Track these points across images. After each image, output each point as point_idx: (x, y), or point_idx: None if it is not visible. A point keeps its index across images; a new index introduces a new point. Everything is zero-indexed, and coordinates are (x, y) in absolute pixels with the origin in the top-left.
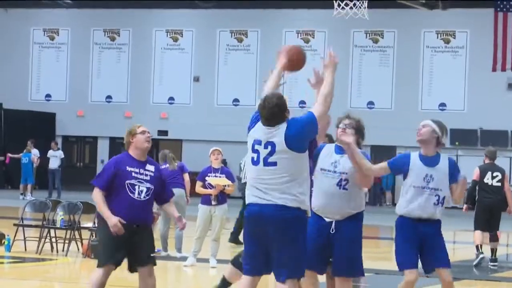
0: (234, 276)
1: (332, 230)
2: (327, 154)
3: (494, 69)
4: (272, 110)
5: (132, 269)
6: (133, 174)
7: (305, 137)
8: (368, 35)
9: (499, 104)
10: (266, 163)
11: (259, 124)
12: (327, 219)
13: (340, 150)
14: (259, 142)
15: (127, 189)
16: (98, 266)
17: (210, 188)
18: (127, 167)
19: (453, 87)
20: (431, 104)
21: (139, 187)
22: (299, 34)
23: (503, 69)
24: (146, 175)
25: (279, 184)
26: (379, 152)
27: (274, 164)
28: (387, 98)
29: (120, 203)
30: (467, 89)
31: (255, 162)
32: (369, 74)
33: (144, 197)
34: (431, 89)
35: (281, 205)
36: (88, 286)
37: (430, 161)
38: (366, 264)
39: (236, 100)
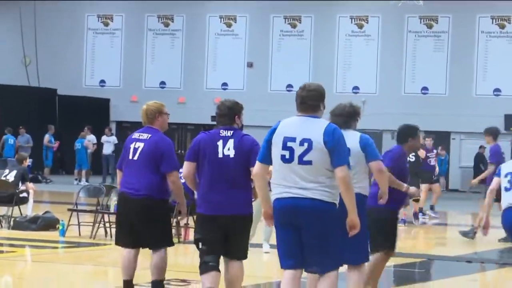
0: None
1: None
2: None
3: None
4: (310, 93)
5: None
6: None
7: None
8: (422, 20)
9: None
10: (301, 161)
11: (288, 119)
12: None
13: None
14: (293, 139)
15: None
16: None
17: None
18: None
19: (508, 72)
20: (486, 90)
21: None
22: (353, 20)
23: None
24: None
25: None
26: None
27: (310, 162)
28: (441, 84)
29: None
30: None
31: (287, 160)
32: (423, 60)
33: None
34: (486, 74)
35: (316, 198)
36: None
37: None
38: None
39: (289, 85)
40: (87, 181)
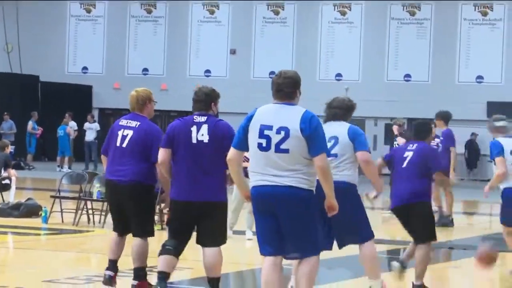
0: None
1: None
2: None
3: None
4: (286, 80)
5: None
6: None
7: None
8: (405, 7)
9: None
10: (278, 149)
11: (265, 107)
12: None
13: None
14: (269, 127)
15: None
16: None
17: (247, 161)
18: None
19: (491, 60)
20: (468, 77)
21: None
22: (336, 7)
23: None
24: None
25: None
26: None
27: (287, 151)
28: (424, 71)
29: None
30: (505, 62)
31: (264, 148)
32: (406, 47)
33: None
34: (468, 61)
35: (293, 186)
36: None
37: None
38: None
39: (272, 72)
40: (69, 168)
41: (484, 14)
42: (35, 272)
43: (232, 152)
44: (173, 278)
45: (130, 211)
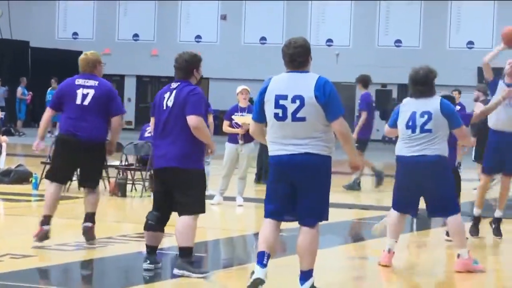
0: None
1: None
2: None
3: None
4: (297, 50)
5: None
6: None
7: (326, 109)
8: None
9: None
10: (295, 118)
11: (279, 77)
12: None
13: None
14: (284, 97)
15: None
16: None
17: (237, 127)
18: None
19: (482, 25)
20: (459, 43)
21: None
22: None
23: None
24: None
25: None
26: (407, 91)
27: (303, 119)
28: (414, 37)
29: None
30: (496, 27)
31: (281, 118)
32: (396, 13)
33: None
34: (459, 27)
35: (311, 153)
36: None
37: None
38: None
39: (263, 38)
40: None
41: None
42: (26, 238)
43: (252, 125)
44: (163, 244)
45: (86, 164)
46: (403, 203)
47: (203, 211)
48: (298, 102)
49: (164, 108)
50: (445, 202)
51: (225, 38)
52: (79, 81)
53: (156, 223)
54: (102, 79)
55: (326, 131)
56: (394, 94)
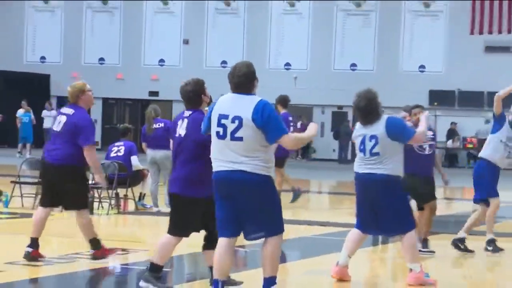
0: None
1: None
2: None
3: (471, 33)
4: (240, 79)
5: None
6: None
7: (265, 132)
8: None
9: (476, 66)
10: (233, 137)
11: (224, 97)
12: None
13: None
14: (226, 117)
15: None
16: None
17: None
18: None
19: (432, 50)
20: (411, 66)
21: None
22: None
23: (480, 32)
24: None
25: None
26: None
27: (241, 138)
28: (369, 60)
29: None
30: (446, 52)
31: (221, 136)
32: (352, 38)
33: None
34: (411, 51)
35: (248, 171)
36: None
37: None
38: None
39: (224, 62)
40: (30, 153)
41: (427, 6)
42: None
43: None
44: (130, 259)
45: (61, 188)
46: (363, 220)
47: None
48: (236, 122)
49: (177, 135)
50: (399, 219)
51: (187, 61)
52: (63, 110)
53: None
54: (80, 110)
55: (264, 151)
56: (350, 116)
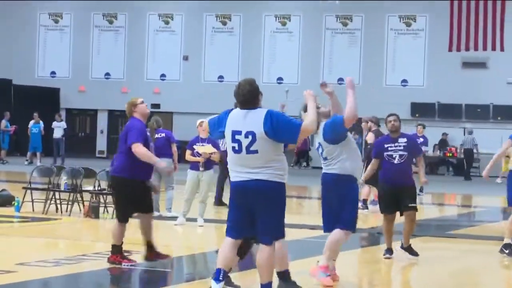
0: None
1: None
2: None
3: (450, 50)
4: (245, 97)
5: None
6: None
7: (280, 137)
8: (338, 19)
9: (454, 81)
10: (249, 151)
11: (234, 113)
12: None
13: None
14: (239, 133)
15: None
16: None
17: (198, 156)
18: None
19: (414, 65)
20: (394, 81)
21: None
22: (277, 18)
23: (458, 49)
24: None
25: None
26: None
27: (256, 151)
28: (355, 75)
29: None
30: (426, 67)
31: (237, 151)
32: (339, 54)
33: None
34: (395, 67)
35: (264, 180)
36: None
37: None
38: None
39: (221, 76)
40: (40, 161)
41: (408, 25)
42: (9, 256)
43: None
44: (137, 259)
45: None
46: (327, 220)
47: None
48: (250, 137)
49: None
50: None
51: (187, 76)
52: None
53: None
54: (133, 120)
55: (278, 160)
56: None
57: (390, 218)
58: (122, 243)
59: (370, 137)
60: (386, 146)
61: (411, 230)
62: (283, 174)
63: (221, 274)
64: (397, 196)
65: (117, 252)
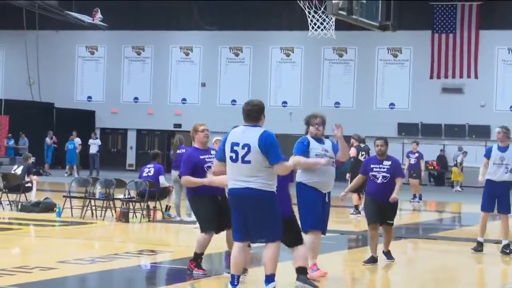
0: None
1: (326, 200)
2: (314, 145)
3: (431, 77)
4: (253, 108)
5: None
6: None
7: (267, 156)
8: (335, 50)
9: (435, 104)
10: (243, 161)
11: (235, 129)
12: (323, 191)
13: (321, 142)
14: (237, 144)
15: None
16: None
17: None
18: (199, 156)
19: (400, 91)
20: (383, 104)
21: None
22: (282, 50)
23: (438, 77)
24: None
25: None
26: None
27: (249, 162)
28: (349, 99)
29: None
30: (411, 92)
31: (234, 160)
32: (336, 81)
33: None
34: (383, 92)
35: (255, 188)
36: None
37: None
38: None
39: (233, 100)
40: (77, 174)
41: (395, 56)
42: (51, 255)
43: (215, 164)
44: (158, 259)
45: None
46: (319, 221)
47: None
48: (246, 148)
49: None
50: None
51: (204, 100)
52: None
53: None
54: (187, 150)
55: (267, 172)
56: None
57: (373, 226)
58: (203, 253)
59: (352, 152)
60: (372, 166)
61: (388, 239)
62: (272, 184)
63: (235, 279)
64: (379, 209)
65: (193, 259)
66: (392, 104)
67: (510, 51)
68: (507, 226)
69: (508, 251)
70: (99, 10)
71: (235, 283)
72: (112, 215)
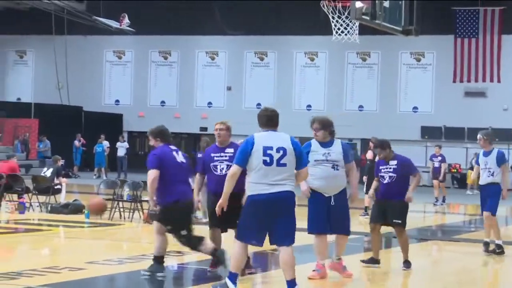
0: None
1: (332, 203)
2: (316, 150)
3: (454, 81)
4: (273, 113)
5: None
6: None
7: (298, 159)
8: (358, 55)
9: (458, 107)
10: (279, 164)
11: (260, 134)
12: (326, 195)
13: (327, 145)
14: (270, 148)
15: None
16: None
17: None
18: (211, 154)
19: (423, 95)
20: (407, 107)
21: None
22: (306, 55)
23: (461, 81)
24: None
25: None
26: (368, 144)
27: (285, 165)
28: (373, 103)
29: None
30: (434, 96)
31: (268, 164)
32: (359, 85)
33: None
34: (407, 96)
35: (290, 190)
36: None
37: None
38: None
39: (258, 104)
40: (106, 176)
41: (418, 60)
42: (80, 255)
43: (235, 168)
44: (185, 260)
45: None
46: (321, 224)
47: None
48: (281, 152)
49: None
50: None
51: (230, 104)
52: None
53: None
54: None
55: (294, 173)
56: (358, 145)
57: (373, 227)
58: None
59: (369, 155)
60: (380, 168)
61: (402, 243)
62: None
63: (236, 277)
64: (384, 210)
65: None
66: (415, 108)
67: None
68: (489, 226)
69: (497, 250)
70: (126, 16)
71: (236, 282)
72: (140, 216)
